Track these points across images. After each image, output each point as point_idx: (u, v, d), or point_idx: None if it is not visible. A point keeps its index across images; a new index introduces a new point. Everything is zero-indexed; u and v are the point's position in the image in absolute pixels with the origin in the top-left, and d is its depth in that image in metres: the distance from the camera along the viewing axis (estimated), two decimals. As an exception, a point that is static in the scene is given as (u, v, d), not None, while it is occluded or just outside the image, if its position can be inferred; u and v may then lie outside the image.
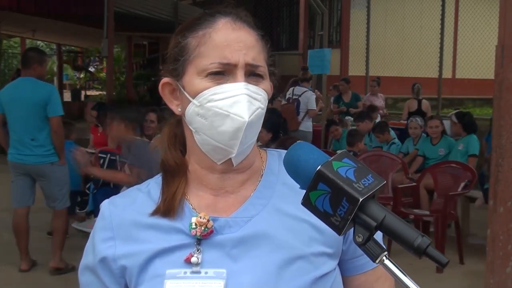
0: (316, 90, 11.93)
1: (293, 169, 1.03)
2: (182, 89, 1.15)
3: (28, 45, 24.22)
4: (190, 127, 1.16)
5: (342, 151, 1.02)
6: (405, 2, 16.21)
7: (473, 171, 6.36)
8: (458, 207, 6.53)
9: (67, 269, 5.48)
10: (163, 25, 15.20)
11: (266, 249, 1.14)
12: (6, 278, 5.49)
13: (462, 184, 6.27)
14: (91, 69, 26.76)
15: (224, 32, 1.13)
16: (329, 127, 8.81)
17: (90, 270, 1.22)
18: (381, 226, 0.95)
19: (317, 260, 1.15)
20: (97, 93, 24.41)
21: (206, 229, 1.14)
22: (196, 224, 1.14)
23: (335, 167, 0.97)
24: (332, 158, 0.99)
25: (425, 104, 10.53)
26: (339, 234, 0.97)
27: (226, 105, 1.10)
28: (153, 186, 1.23)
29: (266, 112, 1.17)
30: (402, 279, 0.93)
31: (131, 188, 1.27)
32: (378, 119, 9.85)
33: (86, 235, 1.29)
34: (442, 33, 13.48)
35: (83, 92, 24.56)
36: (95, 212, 5.90)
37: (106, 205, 1.23)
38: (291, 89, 10.24)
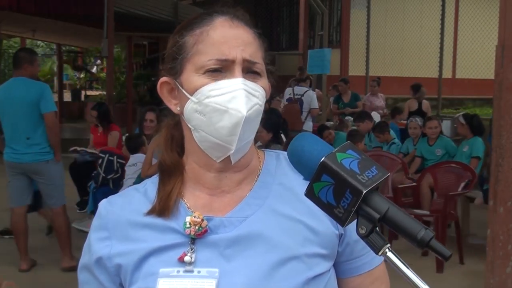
0: (317, 90, 11.94)
1: (296, 159, 1.03)
2: (180, 87, 1.16)
3: (28, 45, 24.25)
4: (188, 125, 1.16)
5: (346, 142, 1.02)
6: (405, 2, 16.21)
7: (473, 171, 6.36)
8: (458, 207, 6.53)
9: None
10: (163, 25, 15.19)
11: (259, 249, 1.14)
12: (6, 278, 5.48)
13: (462, 184, 6.27)
14: (94, 69, 26.72)
15: (221, 30, 1.14)
16: (322, 131, 8.80)
17: (87, 269, 1.23)
18: (384, 218, 0.95)
19: (311, 261, 1.15)
20: (97, 93, 24.40)
21: (200, 228, 1.15)
22: (190, 224, 1.15)
23: (339, 158, 0.96)
24: (336, 149, 0.98)
25: (426, 104, 10.53)
26: (342, 226, 0.97)
27: (224, 100, 1.10)
28: (150, 186, 1.24)
29: (266, 112, 1.17)
30: (405, 271, 0.93)
31: (128, 188, 1.29)
32: (378, 119, 9.85)
33: (86, 235, 1.29)
34: (442, 33, 13.49)
35: (83, 92, 24.55)
36: (95, 212, 5.90)
37: (103, 204, 1.25)
38: (290, 89, 10.23)
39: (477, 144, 7.19)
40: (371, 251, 0.93)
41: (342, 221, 0.96)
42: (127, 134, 7.52)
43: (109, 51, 11.16)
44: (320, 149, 1.00)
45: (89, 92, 24.82)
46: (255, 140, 1.23)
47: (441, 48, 13.62)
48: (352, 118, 9.88)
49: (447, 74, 14.97)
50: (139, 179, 5.28)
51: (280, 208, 1.18)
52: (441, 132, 7.68)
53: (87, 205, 6.96)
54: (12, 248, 5.74)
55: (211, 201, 1.19)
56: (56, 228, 5.65)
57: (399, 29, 15.77)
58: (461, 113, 8.01)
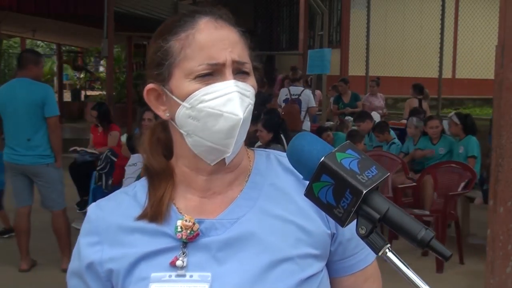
0: (317, 91, 11.94)
1: (296, 159, 1.02)
2: (170, 94, 1.13)
3: (28, 45, 24.26)
4: (181, 130, 1.14)
5: (346, 142, 1.01)
6: (405, 2, 16.21)
7: (473, 171, 6.36)
8: (458, 207, 6.53)
9: None
10: (163, 25, 15.15)
11: (251, 251, 1.13)
12: (6, 278, 5.49)
13: (462, 184, 6.27)
14: (99, 69, 26.67)
15: (207, 32, 1.11)
16: (321, 133, 8.79)
17: (77, 275, 1.22)
18: (384, 218, 0.94)
19: (304, 262, 1.14)
20: (97, 93, 24.38)
21: (192, 232, 1.14)
22: (181, 228, 1.14)
23: (338, 158, 0.96)
24: (336, 149, 0.98)
25: (425, 104, 10.55)
26: (342, 226, 0.96)
27: (218, 104, 1.09)
28: (140, 189, 1.22)
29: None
30: (405, 271, 0.92)
31: (118, 191, 1.26)
32: (378, 119, 9.85)
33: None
34: (442, 33, 13.49)
35: (83, 92, 24.54)
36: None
37: (92, 209, 1.23)
38: (285, 89, 10.23)
39: (471, 143, 7.19)
40: (364, 249, 0.93)
41: (342, 221, 0.96)
42: (125, 134, 7.53)
43: (109, 51, 11.15)
44: (320, 148, 0.99)
45: (89, 92, 24.80)
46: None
47: (441, 48, 13.62)
48: (352, 118, 9.88)
49: (447, 74, 14.98)
50: (139, 179, 5.27)
51: (271, 209, 1.17)
52: (443, 132, 7.68)
53: (87, 205, 6.97)
54: (12, 248, 5.74)
55: (202, 203, 1.18)
56: (57, 229, 5.65)
57: (399, 29, 15.77)
58: (453, 113, 8.01)
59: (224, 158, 1.14)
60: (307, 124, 9.90)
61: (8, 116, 5.45)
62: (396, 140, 8.15)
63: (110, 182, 6.67)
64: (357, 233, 0.96)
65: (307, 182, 0.98)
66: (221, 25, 1.13)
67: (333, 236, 1.18)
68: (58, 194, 5.61)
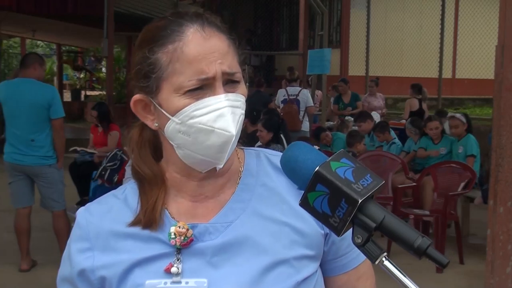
0: (318, 91, 11.94)
1: (290, 169, 1.02)
2: (159, 107, 1.10)
3: (28, 45, 24.27)
4: (171, 142, 1.12)
5: (340, 150, 1.01)
6: (405, 2, 16.20)
7: (473, 171, 6.36)
8: (458, 207, 6.53)
9: None
10: (163, 25, 15.14)
11: (247, 255, 1.12)
12: (6, 278, 5.49)
13: (462, 184, 6.27)
14: (95, 69, 26.64)
15: (195, 44, 1.08)
16: (319, 134, 8.79)
17: (68, 281, 1.19)
18: (380, 227, 0.94)
19: (299, 264, 1.13)
20: (97, 93, 24.38)
21: (186, 238, 1.12)
22: (175, 234, 1.12)
23: (333, 167, 0.96)
24: (330, 158, 0.98)
25: (424, 105, 10.56)
26: (338, 235, 0.96)
27: (210, 120, 1.06)
28: (130, 193, 1.19)
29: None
30: (402, 279, 0.92)
31: (107, 194, 1.22)
32: (377, 119, 9.85)
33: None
34: (442, 33, 13.50)
35: (83, 92, 24.53)
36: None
37: (81, 214, 1.19)
38: (283, 90, 10.23)
39: (470, 142, 7.19)
40: (356, 248, 0.94)
41: (338, 230, 0.95)
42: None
43: (109, 51, 11.15)
44: (314, 158, 0.99)
45: (89, 92, 24.78)
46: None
47: (441, 48, 13.63)
48: (352, 118, 9.88)
49: (447, 74, 14.98)
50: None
51: (264, 210, 1.16)
52: (443, 131, 7.69)
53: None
54: (12, 248, 5.74)
55: (194, 208, 1.16)
56: (57, 230, 5.65)
57: (399, 29, 15.76)
58: (452, 114, 7.99)
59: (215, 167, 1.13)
60: (306, 124, 9.90)
61: (11, 116, 5.43)
62: (396, 140, 8.16)
63: (115, 179, 6.69)
64: (353, 242, 0.96)
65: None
66: (210, 34, 1.09)
67: (326, 236, 1.18)
68: (59, 194, 5.61)
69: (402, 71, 15.36)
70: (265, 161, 1.21)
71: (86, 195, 7.31)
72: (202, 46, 1.08)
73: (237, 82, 1.11)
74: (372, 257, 0.95)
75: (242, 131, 1.14)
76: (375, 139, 8.39)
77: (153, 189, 1.15)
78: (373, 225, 0.94)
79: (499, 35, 3.27)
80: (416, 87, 10.59)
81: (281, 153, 1.10)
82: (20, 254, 5.61)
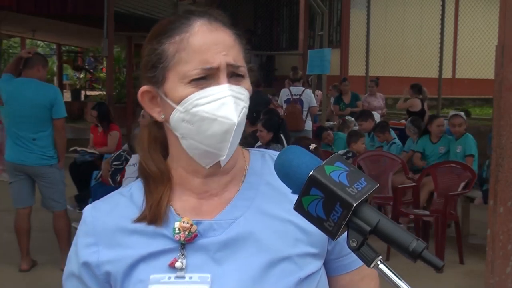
0: (318, 91, 11.94)
1: (285, 173, 1.02)
2: (164, 97, 1.13)
3: (28, 45, 24.25)
4: (175, 133, 1.14)
5: (334, 154, 1.01)
6: (405, 2, 16.20)
7: (473, 171, 6.37)
8: (458, 207, 6.53)
9: None
10: (163, 25, 15.15)
11: (250, 252, 1.13)
12: (6, 278, 5.49)
13: (462, 184, 6.28)
14: (94, 69, 26.67)
15: (202, 35, 1.11)
16: (321, 133, 8.81)
17: (74, 276, 1.20)
18: (375, 231, 0.94)
19: (302, 261, 1.14)
20: (97, 93, 24.39)
21: (190, 233, 1.13)
22: (179, 229, 1.13)
23: (327, 171, 0.95)
24: (324, 162, 0.97)
25: (425, 105, 10.58)
26: (333, 239, 0.96)
27: (213, 108, 1.09)
28: (136, 190, 1.21)
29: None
30: (397, 283, 0.92)
31: (113, 193, 1.25)
32: (377, 119, 9.85)
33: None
34: (442, 33, 13.50)
35: (83, 92, 24.54)
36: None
37: (88, 210, 1.21)
38: (286, 90, 10.22)
39: (468, 141, 7.20)
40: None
41: (332, 234, 0.95)
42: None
43: (109, 51, 11.16)
44: (308, 162, 0.99)
45: (89, 92, 24.79)
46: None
47: (441, 48, 13.62)
48: (353, 118, 9.88)
49: (447, 74, 14.97)
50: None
51: (268, 208, 1.17)
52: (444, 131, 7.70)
53: (84, 200, 6.98)
54: (12, 248, 5.74)
55: (199, 205, 1.18)
56: (58, 230, 5.65)
57: (399, 29, 15.76)
58: (455, 112, 7.99)
59: (219, 161, 1.14)
60: (309, 124, 9.89)
61: (13, 115, 5.43)
62: (397, 140, 8.16)
63: (118, 178, 6.70)
64: (348, 246, 0.96)
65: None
66: (216, 28, 1.12)
67: None
68: (59, 194, 5.62)
69: (402, 71, 15.35)
70: (270, 161, 1.23)
71: (86, 195, 7.32)
72: (208, 38, 1.11)
73: (242, 76, 1.13)
74: (367, 261, 0.94)
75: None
76: (375, 139, 8.39)
77: (158, 187, 1.17)
78: (368, 228, 0.94)
79: (499, 35, 3.26)
80: (416, 87, 10.59)
81: None
82: (20, 254, 5.61)
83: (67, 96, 23.52)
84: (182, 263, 1.12)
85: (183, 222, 1.14)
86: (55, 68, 25.73)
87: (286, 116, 9.10)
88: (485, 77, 12.24)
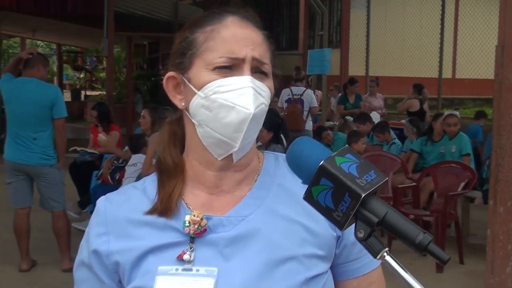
0: (318, 91, 11.93)
1: (295, 163, 1.03)
2: (188, 82, 1.16)
3: (28, 45, 24.27)
4: (193, 120, 1.16)
5: (345, 146, 1.02)
6: (405, 2, 16.21)
7: (473, 171, 6.37)
8: (458, 207, 6.53)
9: None
10: (163, 25, 15.20)
11: (257, 249, 1.14)
12: (6, 278, 5.49)
13: (462, 184, 6.28)
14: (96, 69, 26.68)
15: (232, 28, 1.15)
16: (321, 133, 8.81)
17: (85, 265, 1.22)
18: (382, 222, 0.95)
19: (309, 262, 1.15)
20: (97, 93, 24.40)
21: (200, 227, 1.15)
22: (189, 222, 1.15)
23: (338, 162, 0.97)
24: (335, 153, 0.99)
25: (425, 105, 10.58)
26: (341, 229, 0.97)
27: (232, 97, 1.11)
28: (149, 184, 1.24)
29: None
30: (403, 275, 0.93)
31: (127, 185, 1.28)
32: (377, 119, 9.85)
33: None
34: (442, 33, 13.51)
35: (83, 92, 24.54)
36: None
37: (101, 202, 1.24)
38: (287, 90, 10.22)
39: (464, 141, 7.20)
40: (369, 254, 0.94)
41: (340, 224, 0.96)
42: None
43: (109, 51, 11.17)
44: (319, 153, 1.00)
45: (89, 92, 24.80)
46: (256, 140, 1.23)
47: (441, 48, 13.63)
48: (352, 119, 9.87)
49: (447, 74, 14.99)
50: (139, 179, 5.30)
51: (278, 208, 1.19)
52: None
53: (87, 205, 6.97)
54: (12, 248, 5.74)
55: (210, 200, 1.19)
56: (57, 230, 5.65)
57: (399, 29, 15.78)
58: (450, 112, 7.97)
59: (231, 155, 1.15)
60: (309, 124, 9.88)
61: (14, 115, 5.42)
62: (396, 140, 8.16)
63: (117, 176, 6.71)
64: (355, 237, 0.97)
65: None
66: (247, 25, 1.16)
67: (338, 238, 1.19)
68: (59, 194, 5.61)
69: (402, 71, 15.37)
70: (283, 164, 1.24)
71: (86, 195, 7.32)
72: (238, 32, 1.15)
73: (266, 74, 1.16)
74: (374, 252, 0.95)
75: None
76: (374, 141, 8.39)
77: (171, 179, 1.20)
78: (376, 220, 0.94)
79: (499, 35, 3.27)
80: (418, 87, 10.59)
81: None
82: (20, 254, 5.61)
83: (67, 96, 23.53)
84: (190, 256, 1.14)
85: (194, 215, 1.16)
86: (55, 68, 25.74)
87: (286, 116, 9.08)
88: (485, 77, 12.25)
